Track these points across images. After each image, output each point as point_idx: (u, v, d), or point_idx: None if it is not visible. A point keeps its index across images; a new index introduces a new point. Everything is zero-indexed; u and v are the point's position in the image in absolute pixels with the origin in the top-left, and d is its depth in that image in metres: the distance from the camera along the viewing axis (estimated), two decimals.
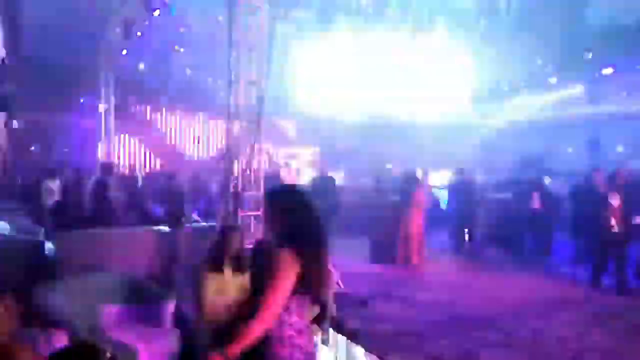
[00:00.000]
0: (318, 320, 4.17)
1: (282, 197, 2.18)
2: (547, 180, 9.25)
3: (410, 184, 7.91)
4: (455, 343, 4.49)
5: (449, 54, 15.09)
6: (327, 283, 2.30)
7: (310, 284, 2.03)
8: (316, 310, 4.21)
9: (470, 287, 6.55)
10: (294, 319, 2.03)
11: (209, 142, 14.71)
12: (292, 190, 2.27)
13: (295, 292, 1.99)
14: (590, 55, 13.67)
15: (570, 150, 15.72)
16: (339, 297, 5.06)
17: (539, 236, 8.65)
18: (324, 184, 8.89)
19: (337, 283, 5.38)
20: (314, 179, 9.61)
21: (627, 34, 11.10)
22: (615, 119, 14.19)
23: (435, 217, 9.23)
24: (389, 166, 12.85)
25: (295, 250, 1.99)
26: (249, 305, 2.05)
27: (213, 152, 14.25)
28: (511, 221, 8.93)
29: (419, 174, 8.85)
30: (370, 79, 14.67)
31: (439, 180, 12.58)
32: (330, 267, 4.36)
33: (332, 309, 4.33)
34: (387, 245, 7.85)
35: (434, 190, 10.42)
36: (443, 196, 10.53)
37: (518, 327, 4.92)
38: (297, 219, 2.07)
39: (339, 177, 12.35)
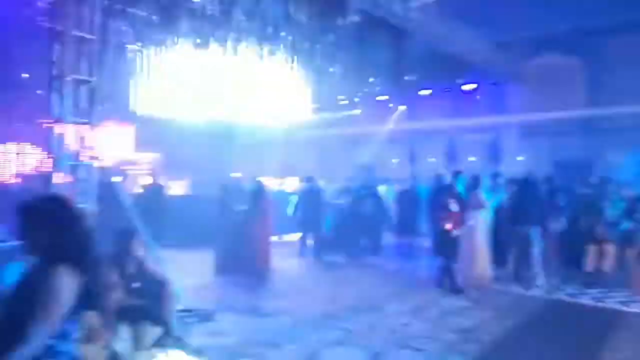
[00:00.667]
0: (161, 341, 3.94)
1: (45, 209, 1.94)
2: (383, 188, 10.30)
3: (257, 193, 8.00)
4: (302, 347, 4.66)
5: (292, 67, 15.70)
6: (109, 297, 2.18)
7: (91, 300, 1.89)
8: (158, 331, 3.96)
9: (314, 290, 6.90)
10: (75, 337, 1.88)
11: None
12: (55, 201, 2.03)
13: (74, 309, 1.83)
14: (412, 78, 15.66)
15: (394, 161, 17.80)
16: (182, 313, 4.83)
17: (371, 237, 9.58)
18: (153, 192, 8.64)
19: (178, 299, 5.11)
20: (143, 187, 9.25)
21: (444, 62, 13.05)
22: (429, 133, 16.59)
23: (282, 223, 9.52)
24: (235, 175, 12.78)
25: (69, 266, 1.82)
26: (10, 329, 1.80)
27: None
28: (349, 225, 9.71)
29: (266, 182, 9.02)
30: (215, 86, 14.42)
31: (285, 187, 13.02)
32: (169, 282, 4.17)
33: (175, 327, 4.11)
34: (234, 255, 7.78)
35: (290, 197, 10.73)
36: (291, 202, 10.91)
37: (356, 323, 5.35)
38: (66, 232, 1.89)
39: (182, 185, 11.85)
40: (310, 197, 9.68)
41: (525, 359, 4.53)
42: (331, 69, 14.76)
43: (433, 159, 16.39)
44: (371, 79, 16.35)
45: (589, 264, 6.84)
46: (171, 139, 13.74)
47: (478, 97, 16.25)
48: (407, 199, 9.22)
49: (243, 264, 7.64)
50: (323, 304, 6.13)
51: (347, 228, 9.77)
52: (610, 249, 6.85)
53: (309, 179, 10.04)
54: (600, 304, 6.19)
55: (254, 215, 7.79)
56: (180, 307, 4.77)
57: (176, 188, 11.78)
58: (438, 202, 7.13)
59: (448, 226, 6.64)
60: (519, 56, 14.44)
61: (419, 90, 16.55)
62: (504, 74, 14.77)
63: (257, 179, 8.52)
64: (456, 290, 6.60)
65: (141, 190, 9.14)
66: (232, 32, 9.22)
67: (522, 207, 6.96)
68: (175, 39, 8.64)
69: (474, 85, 15.91)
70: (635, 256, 6.67)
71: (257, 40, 9.59)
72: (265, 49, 9.60)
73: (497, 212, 7.40)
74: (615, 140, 13.61)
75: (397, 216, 9.29)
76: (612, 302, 6.24)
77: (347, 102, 18.02)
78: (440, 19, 11.17)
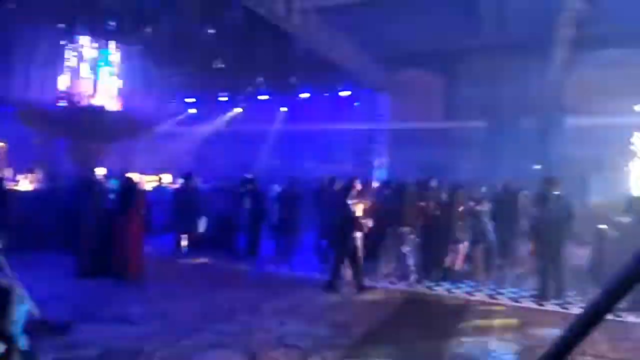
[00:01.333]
0: (5, 357, 3.40)
1: None
2: (258, 187, 10.21)
3: (126, 189, 7.40)
4: (172, 353, 4.42)
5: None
6: None
7: None
8: (0, 347, 3.42)
9: (188, 293, 6.59)
10: None
11: None
12: None
13: None
14: (293, 81, 15.96)
15: (275, 161, 17.92)
16: (34, 326, 4.25)
17: (249, 237, 9.50)
18: None
19: (31, 310, 4.50)
20: None
21: (324, 68, 13.51)
22: (309, 135, 17.06)
23: (155, 223, 8.96)
24: (99, 170, 11.71)
25: None
26: None
27: None
28: (226, 224, 9.51)
29: (138, 178, 8.41)
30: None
31: (162, 185, 12.29)
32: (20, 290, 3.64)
33: (22, 341, 3.60)
34: (99, 258, 7.09)
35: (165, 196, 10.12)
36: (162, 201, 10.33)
37: (230, 325, 5.25)
38: None
39: (33, 180, 10.51)
40: (186, 195, 9.28)
41: (390, 345, 4.87)
42: (213, 65, 14.39)
43: (312, 160, 16.88)
44: (254, 79, 16.31)
45: (447, 260, 7.60)
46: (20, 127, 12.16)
47: (356, 104, 17.18)
48: (288, 198, 9.34)
49: (109, 266, 7.02)
50: (196, 307, 5.90)
51: (222, 228, 9.56)
52: (463, 247, 7.72)
53: (185, 177, 9.61)
54: (452, 294, 6.96)
55: (122, 214, 7.18)
56: (29, 317, 4.19)
57: (25, 183, 10.38)
58: (333, 202, 7.40)
59: (360, 227, 6.87)
60: (391, 69, 15.61)
61: (300, 93, 16.94)
62: (377, 84, 15.85)
63: (127, 175, 7.90)
64: (332, 287, 6.84)
65: None
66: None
67: (395, 209, 7.56)
68: None
69: (349, 93, 16.79)
70: (481, 252, 7.63)
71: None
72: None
73: (370, 212, 7.88)
74: (467, 149, 15.44)
75: (278, 215, 9.35)
76: (461, 292, 7.07)
77: (227, 99, 17.77)
78: (321, 27, 11.57)
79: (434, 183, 8.44)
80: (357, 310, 6.07)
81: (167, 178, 13.81)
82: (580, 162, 12.29)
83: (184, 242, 9.31)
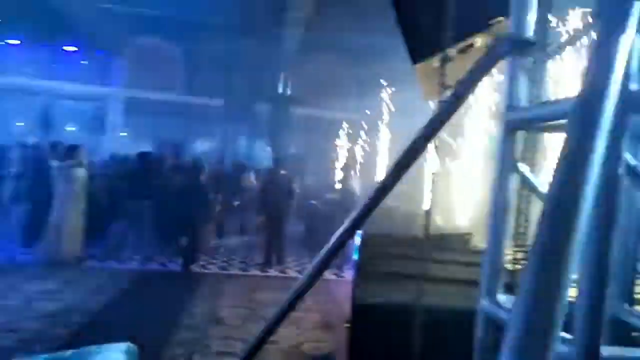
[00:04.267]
0: None
1: None
2: None
3: None
4: None
5: None
6: None
7: None
8: None
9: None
10: None
11: None
12: None
13: None
14: None
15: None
16: None
17: None
18: None
19: None
20: None
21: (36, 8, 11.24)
22: (16, 92, 14.10)
23: None
24: None
25: None
26: None
27: None
28: None
29: None
30: None
31: None
32: None
33: None
34: None
35: None
36: None
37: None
38: None
39: None
40: None
41: (116, 331, 4.57)
42: None
43: (21, 124, 14.03)
44: None
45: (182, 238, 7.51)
46: None
47: (83, 62, 15.06)
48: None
49: None
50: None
51: None
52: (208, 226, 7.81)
53: None
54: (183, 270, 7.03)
55: None
56: None
57: None
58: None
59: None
60: (126, 30, 14.32)
61: (8, 38, 13.77)
62: (110, 44, 14.30)
63: None
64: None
65: None
66: None
67: (136, 182, 7.02)
68: None
69: (75, 48, 14.65)
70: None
71: None
72: None
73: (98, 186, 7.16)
74: (203, 126, 15.71)
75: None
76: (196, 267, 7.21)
77: None
78: None
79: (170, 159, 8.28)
80: (77, 296, 5.42)
81: None
82: (300, 146, 14.19)
83: None
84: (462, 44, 2.57)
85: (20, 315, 4.63)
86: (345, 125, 12.18)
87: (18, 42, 14.12)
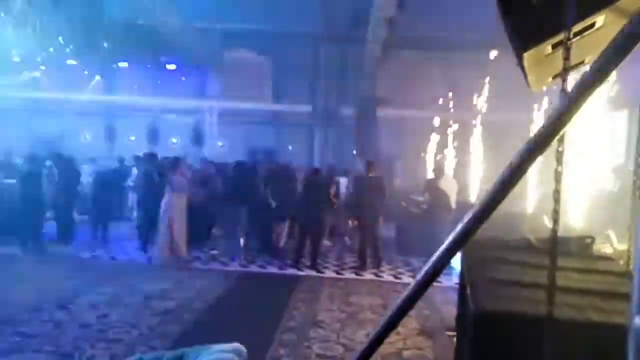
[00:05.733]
0: None
1: None
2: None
3: None
4: None
5: None
6: None
7: None
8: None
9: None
10: None
11: None
12: None
13: None
14: (106, 45, 14.14)
15: (88, 137, 15.96)
16: None
17: (57, 222, 8.28)
18: None
19: None
20: None
21: (146, 36, 12.33)
22: (128, 109, 15.58)
23: None
24: None
25: None
26: None
27: None
28: (23, 208, 7.99)
29: None
30: None
31: None
32: None
33: None
34: None
35: None
36: None
37: (38, 324, 4.56)
38: None
39: None
40: None
41: (222, 329, 4.80)
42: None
43: (133, 138, 15.45)
44: (59, 38, 14.04)
45: (275, 239, 7.84)
46: None
47: (182, 78, 16.23)
48: (107, 179, 8.37)
49: None
50: None
51: (20, 212, 8.00)
52: (285, 226, 8.03)
53: None
54: (281, 272, 7.23)
55: None
56: None
57: None
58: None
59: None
60: (218, 45, 15.18)
61: (118, 61, 15.23)
62: (205, 59, 15.25)
63: None
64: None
65: None
66: None
67: (235, 189, 7.45)
68: None
69: (175, 66, 15.82)
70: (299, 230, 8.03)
71: None
72: None
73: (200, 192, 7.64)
74: (292, 132, 16.13)
75: (95, 198, 8.26)
76: (292, 269, 7.37)
77: (20, 60, 14.69)
78: None
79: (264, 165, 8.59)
80: (187, 295, 5.82)
81: None
82: (388, 149, 13.98)
83: None
84: (580, 25, 2.29)
85: (138, 314, 5.05)
86: (436, 125, 11.80)
87: (126, 64, 15.58)
